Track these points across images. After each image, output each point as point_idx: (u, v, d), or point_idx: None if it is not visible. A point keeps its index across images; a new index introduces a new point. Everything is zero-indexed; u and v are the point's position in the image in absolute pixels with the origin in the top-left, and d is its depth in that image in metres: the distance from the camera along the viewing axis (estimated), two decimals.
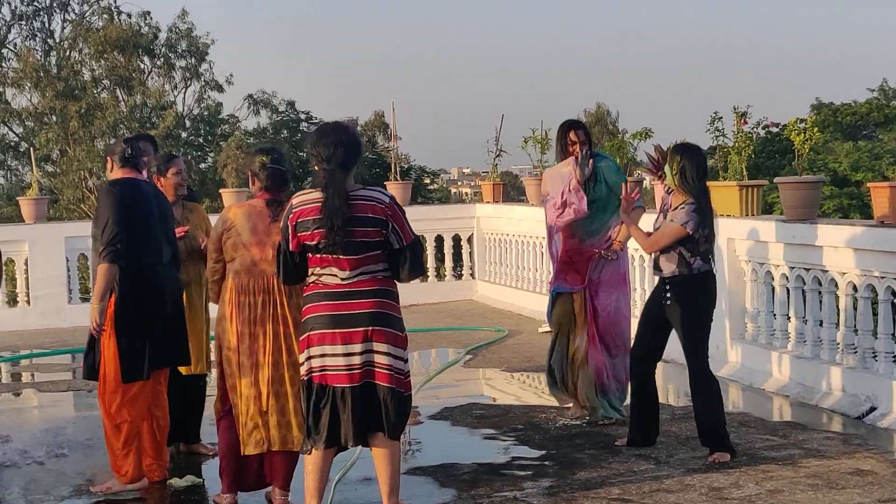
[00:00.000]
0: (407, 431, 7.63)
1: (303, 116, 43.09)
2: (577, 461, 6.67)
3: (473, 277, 15.40)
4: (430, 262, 15.46)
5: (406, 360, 5.52)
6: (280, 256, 5.48)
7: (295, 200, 5.45)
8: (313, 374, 5.41)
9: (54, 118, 39.37)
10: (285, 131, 43.02)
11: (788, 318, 8.69)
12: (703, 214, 6.64)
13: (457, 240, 15.66)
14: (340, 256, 5.33)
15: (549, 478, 6.35)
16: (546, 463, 6.68)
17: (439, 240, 15.66)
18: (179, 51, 41.67)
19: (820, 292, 8.32)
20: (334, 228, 5.29)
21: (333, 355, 5.37)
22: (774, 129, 9.04)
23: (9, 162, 42.27)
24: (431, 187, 47.74)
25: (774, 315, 8.88)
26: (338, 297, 5.37)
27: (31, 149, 31.01)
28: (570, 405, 7.82)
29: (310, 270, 5.45)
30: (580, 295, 7.60)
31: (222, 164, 36.55)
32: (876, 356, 7.79)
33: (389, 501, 5.54)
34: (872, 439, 7.04)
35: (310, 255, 5.41)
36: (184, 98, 42.63)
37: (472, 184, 69.03)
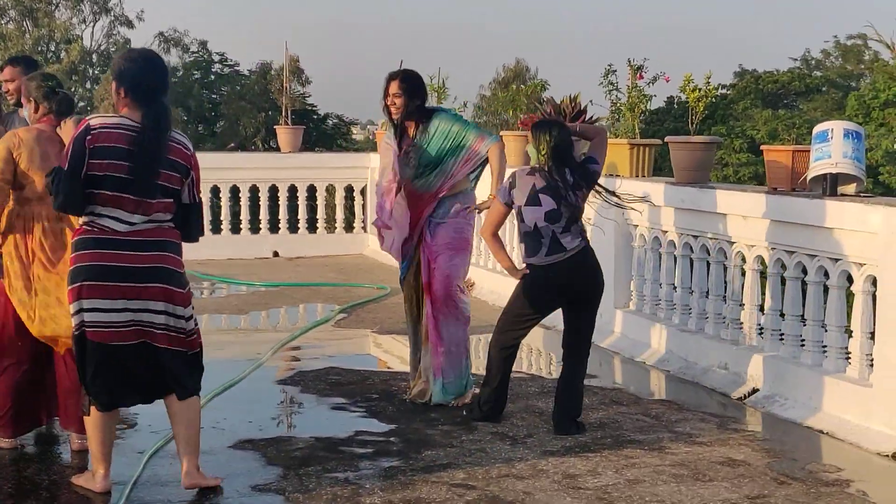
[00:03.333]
0: (248, 395, 6.92)
1: (216, 58, 41.79)
2: (426, 438, 6.02)
3: (365, 231, 14.63)
4: (321, 213, 14.70)
5: (189, 318, 4.95)
6: (61, 180, 4.70)
7: (94, 122, 4.74)
8: (86, 330, 4.79)
9: None
10: (197, 72, 41.60)
11: (675, 287, 8.10)
12: (555, 195, 5.99)
13: (349, 190, 14.86)
14: (139, 198, 4.71)
15: (390, 457, 5.68)
16: (392, 440, 6.01)
17: (330, 189, 14.88)
18: None
19: (708, 262, 7.74)
20: (145, 165, 4.69)
21: (108, 310, 4.77)
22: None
23: None
24: (357, 137, 46.53)
25: (661, 284, 8.28)
26: (119, 245, 4.74)
27: None
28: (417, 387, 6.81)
29: (86, 209, 4.75)
30: (420, 257, 6.70)
31: (99, 99, 35.30)
32: (762, 333, 7.23)
33: (188, 464, 5.01)
34: (751, 424, 6.49)
35: (93, 190, 4.70)
36: (92, 32, 41.16)
37: None
